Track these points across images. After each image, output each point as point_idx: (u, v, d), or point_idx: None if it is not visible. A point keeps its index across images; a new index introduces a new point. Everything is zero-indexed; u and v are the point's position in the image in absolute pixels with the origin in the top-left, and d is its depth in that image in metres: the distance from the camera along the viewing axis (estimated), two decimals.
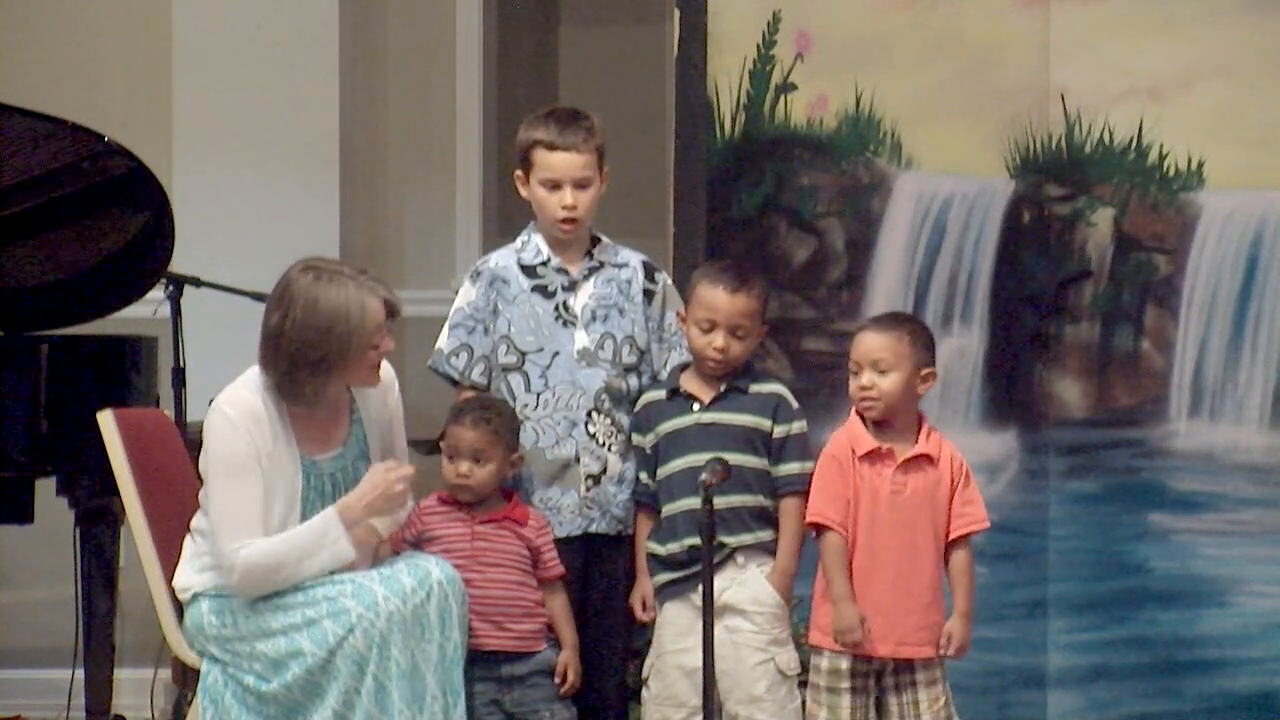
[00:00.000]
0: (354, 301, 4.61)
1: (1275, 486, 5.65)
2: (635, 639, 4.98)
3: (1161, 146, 5.65)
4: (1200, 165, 5.65)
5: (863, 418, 4.77)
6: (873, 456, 4.74)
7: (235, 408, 4.63)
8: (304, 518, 4.64)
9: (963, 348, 5.68)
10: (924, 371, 4.77)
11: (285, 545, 4.58)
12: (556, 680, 4.84)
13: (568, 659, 4.85)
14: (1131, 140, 5.66)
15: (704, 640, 4.53)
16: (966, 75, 5.65)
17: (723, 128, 5.60)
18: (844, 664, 4.72)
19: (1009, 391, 5.69)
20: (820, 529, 4.74)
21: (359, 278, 4.65)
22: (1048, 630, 5.62)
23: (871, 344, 4.75)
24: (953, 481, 4.76)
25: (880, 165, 5.65)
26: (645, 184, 6.54)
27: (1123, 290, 5.68)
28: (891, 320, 4.86)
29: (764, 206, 5.62)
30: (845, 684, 4.73)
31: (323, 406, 4.72)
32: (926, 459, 4.75)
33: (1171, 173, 5.66)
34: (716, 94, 5.58)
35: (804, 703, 4.81)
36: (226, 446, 4.60)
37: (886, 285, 5.66)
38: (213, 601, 4.63)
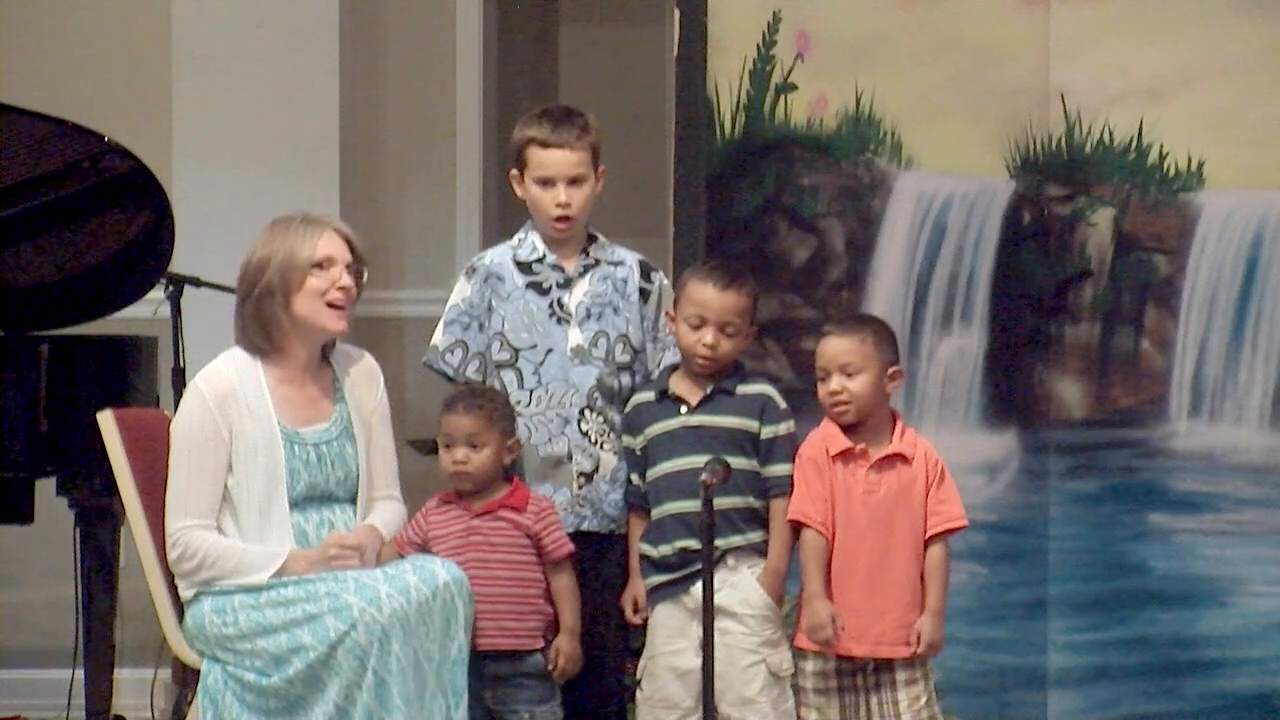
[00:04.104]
0: (299, 227, 4.73)
1: (1275, 486, 5.65)
2: (632, 639, 4.96)
3: (1161, 146, 5.66)
4: (1200, 165, 5.65)
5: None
6: (846, 456, 4.73)
7: (208, 382, 4.71)
8: (291, 489, 4.68)
9: (963, 348, 5.68)
10: (891, 370, 4.76)
11: (228, 554, 4.64)
12: (550, 667, 4.81)
13: (562, 643, 4.82)
14: (1131, 140, 5.66)
15: (704, 640, 4.53)
16: (966, 75, 5.65)
17: (723, 128, 5.59)
18: (831, 665, 4.72)
19: (1009, 391, 5.68)
20: (800, 527, 4.74)
21: (314, 214, 4.78)
22: (1048, 630, 5.62)
23: (837, 347, 4.74)
24: (928, 479, 4.74)
25: (880, 165, 5.65)
26: (645, 184, 6.54)
27: (1123, 290, 5.68)
28: (854, 322, 4.86)
29: (764, 206, 5.62)
30: (834, 684, 4.73)
31: (296, 362, 4.75)
32: (900, 458, 4.74)
33: (1171, 173, 5.66)
34: (716, 94, 5.58)
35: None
36: (190, 425, 4.69)
37: (886, 285, 5.65)
38: (214, 600, 4.64)
